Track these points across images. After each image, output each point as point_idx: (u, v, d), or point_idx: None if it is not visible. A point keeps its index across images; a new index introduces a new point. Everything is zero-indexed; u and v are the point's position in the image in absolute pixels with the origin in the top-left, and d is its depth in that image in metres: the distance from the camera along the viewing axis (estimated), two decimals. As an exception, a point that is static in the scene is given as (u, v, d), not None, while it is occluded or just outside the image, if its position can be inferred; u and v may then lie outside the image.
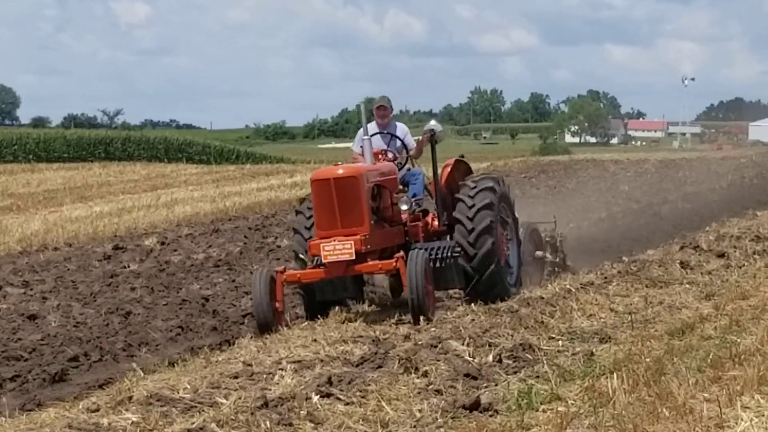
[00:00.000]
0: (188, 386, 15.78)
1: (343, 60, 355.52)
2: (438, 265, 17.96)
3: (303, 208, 20.87)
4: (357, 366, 16.24)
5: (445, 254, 17.94)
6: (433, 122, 18.88)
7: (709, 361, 15.55)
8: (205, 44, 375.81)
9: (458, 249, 18.88)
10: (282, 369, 16.58)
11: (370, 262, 16.83)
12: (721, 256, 26.64)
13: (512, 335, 17.80)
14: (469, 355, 16.52)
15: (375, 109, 19.85)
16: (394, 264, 16.74)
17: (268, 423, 13.52)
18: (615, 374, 14.96)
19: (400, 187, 19.70)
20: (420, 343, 17.33)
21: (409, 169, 20.20)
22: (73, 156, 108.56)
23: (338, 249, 16.10)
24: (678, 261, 25.74)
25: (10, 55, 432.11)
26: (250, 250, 35.91)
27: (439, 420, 13.66)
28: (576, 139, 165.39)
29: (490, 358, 16.44)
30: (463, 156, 19.98)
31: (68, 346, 20.24)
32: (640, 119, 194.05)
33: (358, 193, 16.83)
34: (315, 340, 18.70)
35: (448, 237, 20.42)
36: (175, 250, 36.17)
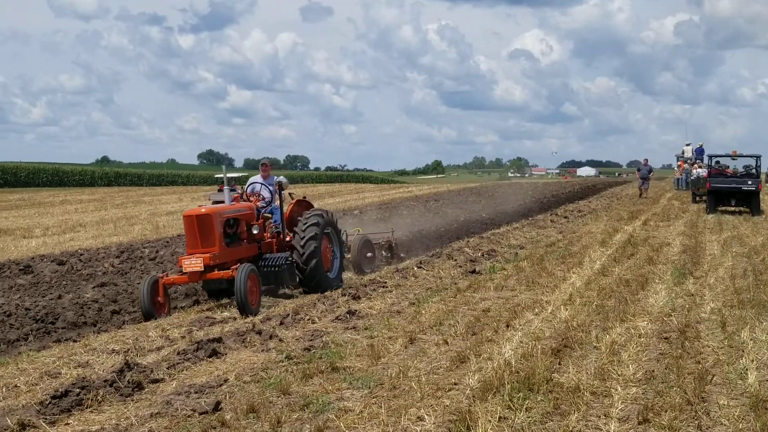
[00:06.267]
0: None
1: (426, 146, 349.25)
2: (277, 269, 12.48)
3: None
4: (430, 256, 16.09)
5: (281, 262, 12.51)
6: (281, 177, 13.66)
7: (561, 255, 15.46)
8: (380, 140, 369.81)
9: (290, 258, 12.76)
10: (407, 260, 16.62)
11: (216, 272, 11.54)
12: (565, 217, 26.34)
13: (487, 246, 17.61)
14: (472, 253, 16.40)
15: (260, 166, 13.95)
16: (231, 273, 11.39)
17: (397, 277, 13.47)
18: (525, 260, 14.86)
19: (268, 216, 13.32)
20: (454, 249, 17.15)
21: (270, 205, 13.54)
22: (327, 180, 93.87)
23: (193, 263, 11.37)
24: (549, 219, 25.40)
25: (305, 143, 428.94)
26: (393, 216, 29.91)
27: (460, 276, 13.57)
28: (512, 176, 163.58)
29: (480, 254, 16.29)
30: (305, 197, 14.47)
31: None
32: (537, 167, 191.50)
33: (212, 226, 11.67)
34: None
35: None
36: (364, 217, 30.97)
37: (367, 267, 15.18)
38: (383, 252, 16.55)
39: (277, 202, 13.34)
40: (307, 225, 12.83)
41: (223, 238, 11.81)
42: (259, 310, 11.12)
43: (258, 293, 11.36)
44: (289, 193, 14.05)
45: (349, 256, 14.93)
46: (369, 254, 15.42)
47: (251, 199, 13.30)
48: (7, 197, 48.01)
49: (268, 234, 13.10)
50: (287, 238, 13.35)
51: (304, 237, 12.74)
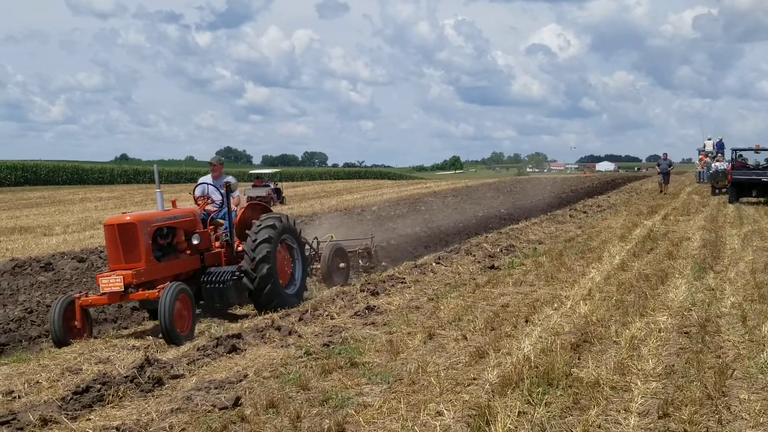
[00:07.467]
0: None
1: (444, 142, 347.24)
2: (221, 286, 10.48)
3: None
4: (449, 252, 16.06)
5: (226, 277, 10.50)
6: (229, 177, 11.69)
7: (580, 250, 15.42)
8: (397, 136, 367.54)
9: (237, 273, 10.57)
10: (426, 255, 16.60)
11: (140, 292, 9.40)
12: (584, 212, 26.26)
13: (506, 241, 17.64)
14: (490, 248, 16.39)
15: (210, 166, 11.99)
16: (157, 293, 9.22)
17: (415, 273, 13.44)
18: (544, 255, 14.81)
19: (221, 221, 11.38)
20: (472, 244, 17.19)
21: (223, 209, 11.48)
22: (345, 176, 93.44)
23: (112, 282, 9.28)
24: (568, 214, 25.38)
25: (322, 140, 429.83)
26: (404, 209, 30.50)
27: (479, 272, 13.55)
28: (531, 171, 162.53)
29: (498, 249, 16.28)
30: (259, 200, 10.91)
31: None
32: (555, 162, 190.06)
33: (136, 237, 9.54)
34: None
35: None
36: (382, 213, 30.91)
37: (338, 278, 13.26)
38: (360, 260, 14.66)
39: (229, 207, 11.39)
40: (261, 228, 10.93)
41: (151, 251, 9.85)
42: (192, 337, 9.29)
43: (190, 317, 9.43)
44: (277, 188, 12.17)
45: (318, 266, 13.25)
46: (342, 264, 13.47)
47: (199, 202, 11.64)
48: (28, 195, 48.56)
49: (218, 244, 11.23)
50: (238, 248, 11.35)
51: (255, 240, 10.74)
